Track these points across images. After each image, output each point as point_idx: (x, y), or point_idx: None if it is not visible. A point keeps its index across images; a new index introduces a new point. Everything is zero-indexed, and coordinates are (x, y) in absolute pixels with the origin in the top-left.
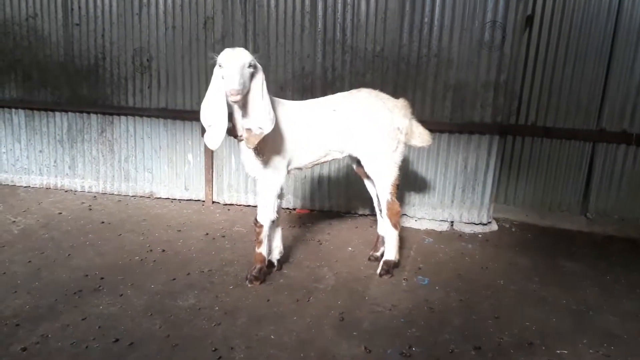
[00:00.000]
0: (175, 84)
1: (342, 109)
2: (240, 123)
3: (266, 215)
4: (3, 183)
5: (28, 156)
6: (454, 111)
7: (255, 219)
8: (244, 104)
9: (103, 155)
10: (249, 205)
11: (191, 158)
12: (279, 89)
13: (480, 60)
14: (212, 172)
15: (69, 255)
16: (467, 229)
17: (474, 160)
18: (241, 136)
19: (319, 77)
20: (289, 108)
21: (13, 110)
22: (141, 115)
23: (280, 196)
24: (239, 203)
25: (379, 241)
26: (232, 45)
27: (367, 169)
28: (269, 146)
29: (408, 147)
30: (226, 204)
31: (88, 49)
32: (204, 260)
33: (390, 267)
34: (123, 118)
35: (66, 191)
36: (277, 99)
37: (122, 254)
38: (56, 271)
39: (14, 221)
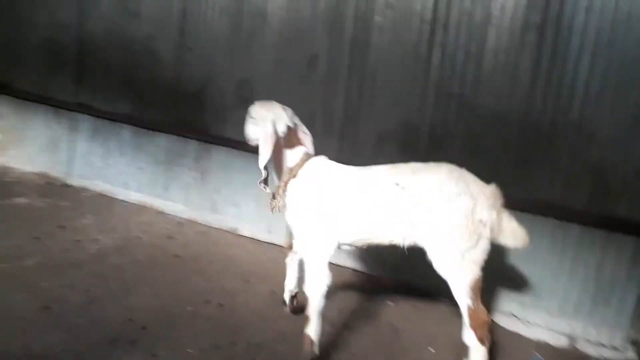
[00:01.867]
0: None
1: (409, 184)
2: None
3: (313, 286)
4: (105, 193)
5: (129, 171)
6: (591, 199)
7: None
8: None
9: (195, 182)
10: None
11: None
12: (377, 140)
13: (635, 140)
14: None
15: (127, 290)
16: (593, 351)
17: (612, 265)
18: None
19: (425, 133)
20: (337, 173)
21: (123, 125)
22: (238, 149)
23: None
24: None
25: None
26: (335, 85)
27: (435, 266)
28: (300, 212)
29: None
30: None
31: (196, 74)
32: (258, 327)
33: None
34: (220, 148)
35: (158, 212)
36: (328, 161)
37: (177, 300)
38: (107, 308)
39: (96, 239)
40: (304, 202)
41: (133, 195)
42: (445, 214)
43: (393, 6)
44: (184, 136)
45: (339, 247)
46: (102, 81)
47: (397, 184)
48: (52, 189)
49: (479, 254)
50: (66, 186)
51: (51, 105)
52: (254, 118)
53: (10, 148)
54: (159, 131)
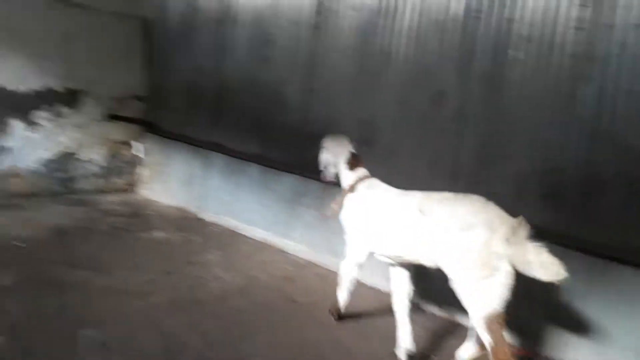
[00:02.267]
0: (397, 163)
1: (431, 211)
2: None
3: (344, 268)
4: (232, 229)
5: (256, 209)
6: None
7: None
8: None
9: (317, 224)
10: (458, 324)
11: None
12: (515, 186)
13: None
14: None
15: (244, 335)
16: None
17: None
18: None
19: (571, 176)
20: (382, 193)
21: (252, 164)
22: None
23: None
24: (443, 316)
25: None
26: (464, 124)
27: (456, 292)
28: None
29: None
30: (430, 313)
31: (320, 115)
32: None
33: None
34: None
35: (280, 251)
36: (379, 182)
37: (290, 352)
38: (221, 354)
39: (219, 277)
40: (354, 211)
41: (258, 232)
42: (459, 243)
43: (531, 39)
44: (307, 177)
45: (373, 255)
46: (234, 123)
47: (421, 211)
48: (187, 223)
49: (496, 286)
50: (199, 220)
51: (189, 143)
52: (326, 148)
53: (154, 182)
54: (285, 171)
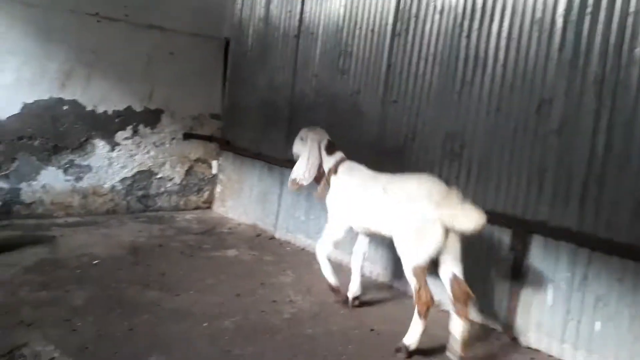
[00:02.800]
0: (488, 179)
1: (390, 190)
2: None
3: (320, 248)
4: (305, 248)
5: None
6: None
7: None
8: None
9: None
10: None
11: (494, 274)
12: (636, 206)
13: None
14: (519, 299)
15: None
16: None
17: None
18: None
19: None
20: (358, 174)
21: None
22: None
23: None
24: (550, 353)
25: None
26: (574, 136)
27: (398, 252)
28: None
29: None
30: (531, 348)
31: (400, 127)
32: None
33: (403, 350)
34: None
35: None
36: (356, 164)
37: None
38: None
39: (291, 300)
40: (336, 191)
41: (336, 253)
42: (404, 212)
43: None
44: None
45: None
46: None
47: (383, 189)
48: (260, 242)
49: (427, 245)
50: (272, 239)
51: (265, 161)
52: (302, 139)
53: (229, 199)
54: None
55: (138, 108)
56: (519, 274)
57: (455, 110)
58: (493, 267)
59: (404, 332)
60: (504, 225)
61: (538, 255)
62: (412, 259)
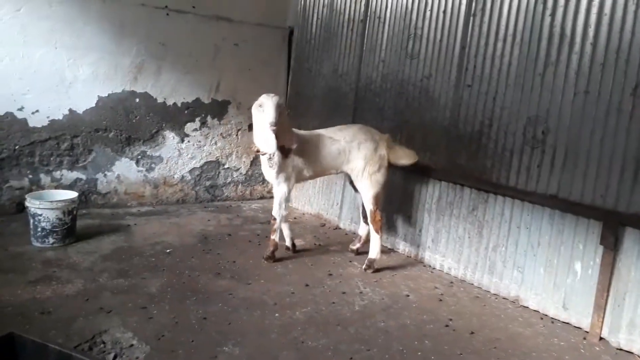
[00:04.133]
0: (575, 166)
1: (337, 138)
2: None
3: (279, 210)
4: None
5: (398, 218)
6: None
7: (272, 215)
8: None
9: (469, 237)
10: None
11: (579, 268)
12: None
13: None
14: (608, 295)
15: None
16: None
17: None
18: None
19: None
20: (304, 136)
21: (394, 169)
22: (522, 199)
23: (288, 199)
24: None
25: (358, 239)
26: None
27: (356, 185)
28: (289, 162)
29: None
30: (620, 349)
31: (475, 113)
32: None
33: (372, 264)
34: (500, 198)
35: (424, 265)
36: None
37: None
38: None
39: (361, 292)
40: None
41: (400, 245)
42: (359, 152)
43: None
44: (457, 183)
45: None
46: (375, 126)
47: (331, 138)
48: (325, 232)
49: (380, 177)
50: (337, 229)
51: None
52: (266, 105)
53: (293, 189)
54: (430, 177)
55: (206, 100)
56: (609, 269)
57: (538, 94)
58: (578, 261)
59: (481, 328)
60: (592, 217)
61: (631, 250)
62: (372, 188)
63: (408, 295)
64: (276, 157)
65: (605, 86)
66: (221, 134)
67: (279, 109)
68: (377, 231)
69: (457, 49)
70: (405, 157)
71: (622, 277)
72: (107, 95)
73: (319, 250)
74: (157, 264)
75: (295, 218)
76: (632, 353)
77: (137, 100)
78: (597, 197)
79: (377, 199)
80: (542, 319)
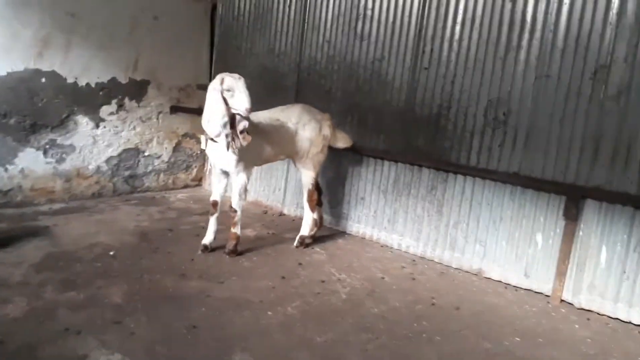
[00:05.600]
0: (536, 146)
1: (284, 119)
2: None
3: (240, 200)
4: (327, 226)
5: (349, 202)
6: None
7: (232, 207)
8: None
9: (428, 215)
10: (618, 320)
11: (540, 239)
12: None
13: None
14: (568, 262)
15: (404, 348)
16: None
17: None
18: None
19: None
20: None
21: (346, 152)
22: (483, 178)
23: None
24: (601, 312)
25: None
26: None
27: (298, 166)
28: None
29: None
30: (581, 309)
31: (433, 96)
32: None
33: (304, 240)
34: (460, 177)
35: (382, 246)
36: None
37: None
38: None
39: (339, 279)
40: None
41: (354, 227)
42: (305, 133)
43: None
44: (415, 164)
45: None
46: (321, 108)
47: (278, 120)
48: (272, 219)
49: (322, 157)
50: (282, 215)
51: None
52: (233, 88)
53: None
54: (385, 159)
55: (123, 79)
56: (571, 238)
57: (499, 77)
58: (539, 233)
59: (461, 303)
60: (553, 192)
61: (591, 220)
62: (314, 169)
63: (383, 278)
64: (238, 143)
65: (565, 71)
66: (140, 117)
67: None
68: (312, 210)
69: (412, 31)
70: (342, 140)
71: (583, 244)
72: (5, 74)
73: (274, 239)
74: (106, 270)
75: (231, 207)
76: (591, 311)
77: (43, 80)
78: (557, 173)
79: (315, 179)
80: (506, 288)
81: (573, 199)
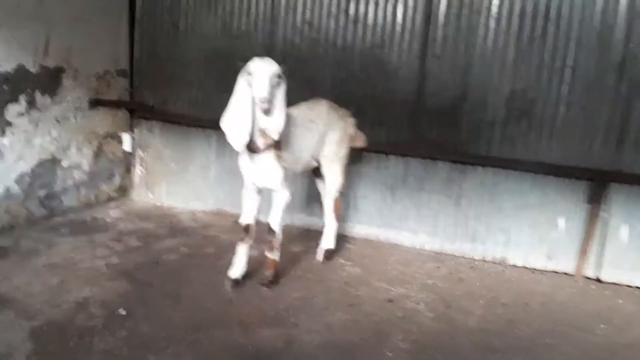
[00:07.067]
0: (561, 133)
1: (315, 119)
2: (259, 127)
3: (281, 222)
4: (307, 227)
5: (348, 202)
6: None
7: (271, 228)
8: (267, 110)
9: (445, 209)
10: None
11: (563, 223)
12: None
13: None
14: (590, 242)
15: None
16: None
17: None
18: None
19: None
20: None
21: None
22: (505, 168)
23: None
24: (623, 283)
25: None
26: None
27: (325, 172)
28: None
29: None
30: (603, 282)
31: (446, 86)
32: None
33: (331, 255)
34: (479, 169)
35: (393, 246)
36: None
37: None
38: None
39: (403, 295)
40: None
41: (354, 229)
42: (335, 135)
43: None
44: (428, 158)
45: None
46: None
47: (310, 120)
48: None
49: (346, 159)
50: (258, 223)
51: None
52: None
53: (162, 184)
54: (391, 154)
55: (32, 67)
56: (595, 220)
57: (522, 67)
58: (562, 217)
59: (522, 297)
60: (576, 177)
61: (615, 202)
62: (342, 174)
63: (435, 283)
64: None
65: (591, 61)
66: (56, 117)
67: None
68: (338, 219)
69: (418, 18)
70: (360, 139)
71: (605, 226)
72: None
73: (285, 255)
74: (137, 339)
75: (195, 221)
76: (615, 283)
77: None
78: (580, 160)
79: (342, 187)
80: (533, 273)
81: (598, 183)
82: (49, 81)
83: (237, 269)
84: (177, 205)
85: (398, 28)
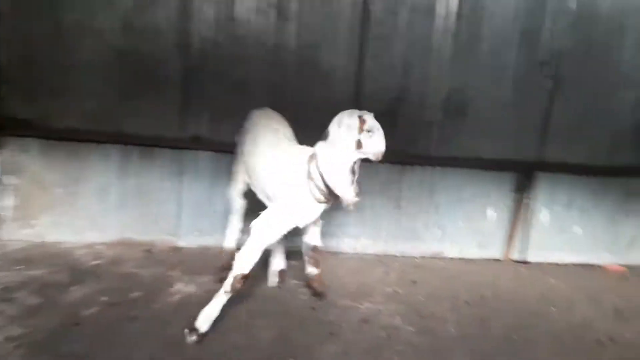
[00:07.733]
0: (496, 131)
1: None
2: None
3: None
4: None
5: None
6: None
7: (316, 247)
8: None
9: (387, 212)
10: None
11: (493, 212)
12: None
13: None
14: (516, 228)
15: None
16: None
17: None
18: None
19: None
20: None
21: None
22: (443, 165)
23: None
24: (547, 261)
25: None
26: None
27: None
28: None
29: None
30: (528, 262)
31: (385, 87)
32: None
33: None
34: (417, 168)
35: (333, 253)
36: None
37: None
38: None
39: (378, 311)
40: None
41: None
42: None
43: None
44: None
45: None
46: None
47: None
48: (182, 259)
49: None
50: (178, 250)
51: (133, 143)
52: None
53: (45, 214)
54: None
55: None
56: (519, 208)
57: (457, 68)
58: (491, 207)
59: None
60: (503, 169)
61: (538, 190)
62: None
63: (395, 290)
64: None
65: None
66: None
67: None
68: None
69: (355, 18)
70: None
71: (529, 211)
72: None
73: (214, 288)
74: None
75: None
76: (540, 263)
77: None
78: (511, 153)
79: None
80: (467, 263)
81: (523, 173)
82: None
83: (209, 320)
84: (66, 239)
85: (332, 27)
